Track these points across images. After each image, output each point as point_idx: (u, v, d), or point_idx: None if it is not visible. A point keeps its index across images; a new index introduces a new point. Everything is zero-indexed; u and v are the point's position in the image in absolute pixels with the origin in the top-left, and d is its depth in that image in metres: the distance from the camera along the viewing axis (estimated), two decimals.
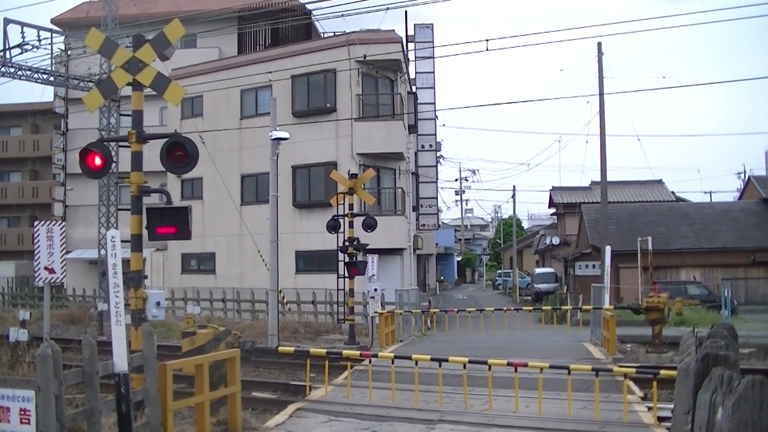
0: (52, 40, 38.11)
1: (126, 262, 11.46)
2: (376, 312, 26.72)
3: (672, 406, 9.41)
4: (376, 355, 15.88)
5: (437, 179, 57.07)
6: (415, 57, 51.06)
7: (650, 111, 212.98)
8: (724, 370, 4.43)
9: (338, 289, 29.80)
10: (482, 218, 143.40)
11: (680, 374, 6.88)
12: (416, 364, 14.52)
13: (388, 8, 28.75)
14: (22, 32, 36.03)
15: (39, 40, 36.83)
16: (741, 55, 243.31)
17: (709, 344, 5.65)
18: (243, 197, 43.26)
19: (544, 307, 38.82)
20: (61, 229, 15.62)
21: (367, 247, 29.34)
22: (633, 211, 52.52)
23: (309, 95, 41.40)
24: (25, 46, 36.21)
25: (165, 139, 13.51)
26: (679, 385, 6.80)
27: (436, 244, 73.39)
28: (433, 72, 52.15)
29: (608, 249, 29.67)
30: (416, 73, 51.54)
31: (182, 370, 12.36)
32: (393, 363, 15.13)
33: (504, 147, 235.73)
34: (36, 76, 38.67)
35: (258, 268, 37.34)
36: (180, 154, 13.18)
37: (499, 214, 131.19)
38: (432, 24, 52.21)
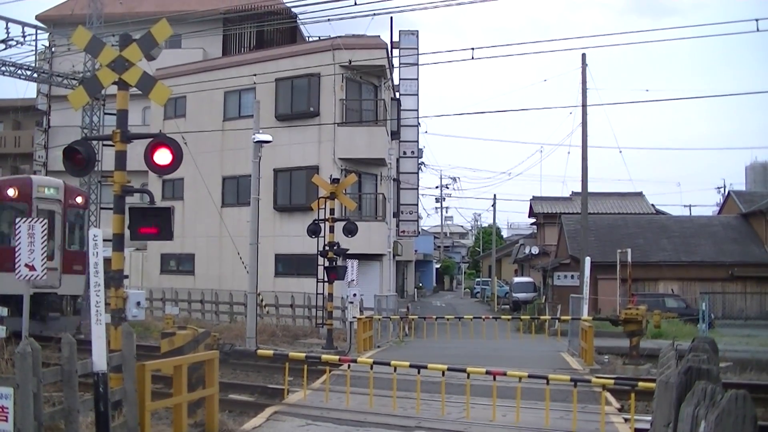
0: (36, 37, 37.99)
1: (106, 262, 11.42)
2: (354, 317, 26.71)
3: (649, 417, 9.46)
4: (355, 361, 15.87)
5: (418, 186, 57.17)
6: (400, 63, 51.07)
7: (632, 123, 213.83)
8: (707, 383, 4.46)
9: (317, 294, 29.80)
10: (462, 226, 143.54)
11: (660, 387, 6.90)
12: (395, 371, 14.53)
13: (374, 14, 28.87)
14: (7, 28, 35.85)
15: (23, 36, 36.66)
16: (724, 70, 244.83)
17: (691, 358, 5.68)
18: (224, 199, 43.18)
19: (522, 317, 38.88)
20: (42, 226, 15.56)
21: (347, 252, 29.32)
22: (613, 223, 52.81)
23: (293, 99, 41.39)
24: (9, 42, 36.02)
25: (148, 139, 13.47)
26: (659, 397, 6.82)
27: (416, 251, 73.50)
28: (417, 79, 52.22)
29: (588, 260, 29.73)
30: (400, 79, 51.59)
31: (161, 370, 12.32)
32: (372, 369, 15.13)
33: (485, 155, 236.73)
34: (20, 72, 38.50)
35: (237, 271, 37.23)
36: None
37: (478, 223, 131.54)
38: (417, 31, 52.28)
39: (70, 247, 27.36)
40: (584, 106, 41.73)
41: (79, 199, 28.20)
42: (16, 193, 26.03)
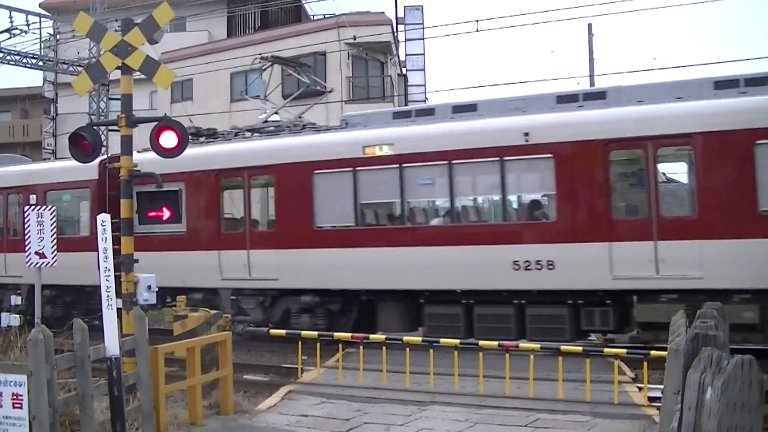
0: (40, 25, 37.90)
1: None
2: None
3: (662, 386, 9.45)
4: (367, 338, 15.90)
5: None
6: (405, 39, 50.77)
7: None
8: (714, 350, 4.44)
9: None
10: None
11: (670, 355, 6.90)
12: (407, 346, 14.56)
13: None
14: (11, 17, 35.79)
15: (27, 25, 36.61)
16: (736, 36, 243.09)
17: (698, 324, 5.67)
18: None
19: None
20: (51, 213, 15.57)
21: None
22: None
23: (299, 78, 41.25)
24: (14, 31, 35.99)
25: (154, 123, 13.48)
26: (670, 365, 6.82)
27: None
28: (424, 54, 51.87)
29: None
30: (406, 55, 51.26)
31: (174, 353, 12.37)
32: (384, 345, 15.15)
33: None
34: (25, 60, 38.44)
35: None
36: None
37: None
38: (422, 6, 51.83)
39: None
40: (591, 76, 41.60)
41: None
42: None
